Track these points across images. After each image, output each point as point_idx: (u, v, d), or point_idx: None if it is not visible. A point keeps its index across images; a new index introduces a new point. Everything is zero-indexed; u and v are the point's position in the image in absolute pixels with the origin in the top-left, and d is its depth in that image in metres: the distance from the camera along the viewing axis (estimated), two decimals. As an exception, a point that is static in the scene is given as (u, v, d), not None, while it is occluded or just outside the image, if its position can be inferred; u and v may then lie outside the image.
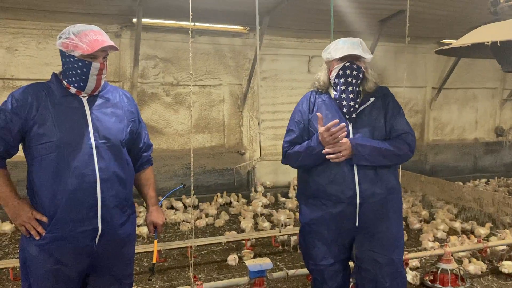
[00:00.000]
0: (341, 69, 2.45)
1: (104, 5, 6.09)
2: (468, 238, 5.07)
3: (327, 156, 2.38)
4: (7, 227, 5.69)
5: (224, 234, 5.43)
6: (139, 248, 4.12)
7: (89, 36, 2.01)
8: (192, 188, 3.46)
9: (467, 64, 9.34)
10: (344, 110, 2.46)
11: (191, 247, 4.20)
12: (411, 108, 9.34)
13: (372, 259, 2.49)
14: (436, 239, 5.31)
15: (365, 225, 2.46)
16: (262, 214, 6.34)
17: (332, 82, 2.52)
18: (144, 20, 6.36)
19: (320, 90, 2.60)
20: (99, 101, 2.14)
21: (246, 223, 5.69)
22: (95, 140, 2.05)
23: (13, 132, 2.01)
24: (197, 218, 6.25)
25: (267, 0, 5.91)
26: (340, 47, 2.47)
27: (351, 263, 2.73)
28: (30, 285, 2.09)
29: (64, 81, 2.10)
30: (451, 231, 5.68)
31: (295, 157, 2.53)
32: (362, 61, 2.49)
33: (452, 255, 4.00)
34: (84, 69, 2.03)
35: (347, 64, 2.44)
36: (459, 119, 9.98)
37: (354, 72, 2.44)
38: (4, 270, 4.37)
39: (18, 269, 4.15)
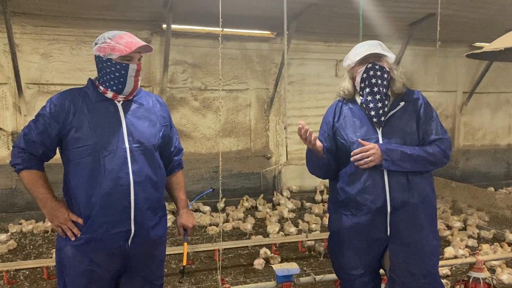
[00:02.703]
0: (364, 72, 2.41)
1: (135, 11, 6.24)
2: (501, 246, 4.93)
3: (356, 163, 2.36)
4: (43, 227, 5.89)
5: (250, 238, 5.46)
6: (167, 250, 4.18)
7: (124, 39, 2.10)
8: (220, 192, 3.51)
9: (500, 67, 9.10)
10: (372, 113, 2.39)
11: (218, 250, 4.24)
12: (441, 113, 9.14)
13: (407, 270, 2.39)
14: (467, 247, 5.18)
15: (397, 234, 2.38)
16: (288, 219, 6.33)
17: (358, 87, 2.48)
18: (173, 26, 6.48)
19: (345, 100, 2.56)
20: (133, 106, 2.20)
21: (273, 228, 5.69)
22: (129, 144, 2.10)
23: (51, 136, 2.09)
24: (224, 222, 6.30)
25: (295, 5, 5.92)
26: (359, 51, 2.44)
27: (381, 271, 2.67)
28: (65, 284, 2.15)
29: (100, 87, 2.17)
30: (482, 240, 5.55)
31: (307, 160, 2.58)
32: (384, 61, 2.44)
33: (484, 264, 3.89)
34: (122, 71, 2.10)
35: (369, 65, 2.40)
36: (491, 124, 9.71)
37: (378, 73, 2.39)
38: (39, 269, 4.52)
39: (52, 268, 4.30)
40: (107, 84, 2.13)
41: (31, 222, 6.07)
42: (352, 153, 2.37)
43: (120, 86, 2.13)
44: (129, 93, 2.17)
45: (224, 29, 6.92)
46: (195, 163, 7.40)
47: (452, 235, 5.62)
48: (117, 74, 2.10)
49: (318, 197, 7.60)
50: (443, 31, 4.63)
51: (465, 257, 4.39)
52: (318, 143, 2.43)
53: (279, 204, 7.17)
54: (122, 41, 2.08)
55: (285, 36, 4.73)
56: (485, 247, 4.86)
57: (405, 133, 2.40)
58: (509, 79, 9.48)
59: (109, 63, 2.10)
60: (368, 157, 2.31)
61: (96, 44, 2.13)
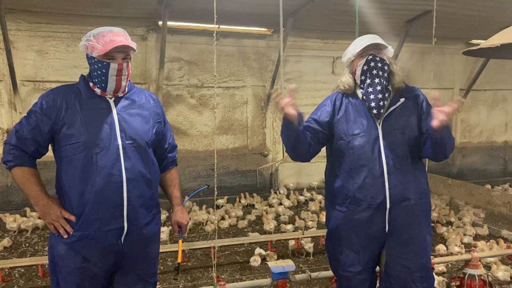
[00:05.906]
0: (364, 63, 2.41)
1: (131, 8, 6.21)
2: (497, 243, 4.94)
3: (435, 102, 2.19)
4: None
5: (247, 235, 5.45)
6: (163, 248, 4.17)
7: (105, 37, 2.06)
8: (215, 189, 3.49)
9: (497, 65, 9.10)
10: (372, 104, 2.38)
11: (214, 247, 4.23)
12: (438, 110, 9.15)
13: (403, 265, 2.42)
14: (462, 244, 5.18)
15: (395, 230, 2.39)
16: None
17: (358, 80, 2.47)
18: (169, 23, 6.45)
19: (345, 94, 2.54)
20: (125, 103, 2.18)
21: (269, 225, 5.68)
22: (121, 140, 2.09)
23: (43, 133, 2.07)
24: (221, 219, 6.28)
25: (291, 1, 5.90)
26: (359, 44, 2.45)
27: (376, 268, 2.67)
28: (58, 281, 2.14)
29: (90, 83, 2.16)
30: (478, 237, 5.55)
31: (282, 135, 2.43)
32: (384, 54, 2.45)
33: (480, 261, 3.90)
34: (103, 70, 2.08)
35: (370, 57, 2.40)
36: (488, 121, 9.73)
37: (379, 64, 2.39)
38: (34, 267, 4.50)
39: (47, 266, 4.27)
40: (94, 80, 2.13)
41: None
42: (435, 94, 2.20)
43: (103, 84, 2.11)
44: (114, 91, 2.14)
45: (221, 26, 6.90)
46: (191, 160, 7.39)
47: (448, 232, 5.63)
48: (99, 72, 2.09)
49: (306, 194, 7.54)
50: (440, 28, 4.62)
51: (461, 254, 4.40)
52: (293, 111, 2.24)
53: (279, 202, 7.16)
54: (102, 40, 2.05)
55: (281, 33, 4.72)
56: (481, 244, 4.86)
57: (405, 128, 2.39)
58: (506, 76, 9.50)
59: (92, 61, 2.10)
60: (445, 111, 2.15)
61: (82, 40, 2.12)
